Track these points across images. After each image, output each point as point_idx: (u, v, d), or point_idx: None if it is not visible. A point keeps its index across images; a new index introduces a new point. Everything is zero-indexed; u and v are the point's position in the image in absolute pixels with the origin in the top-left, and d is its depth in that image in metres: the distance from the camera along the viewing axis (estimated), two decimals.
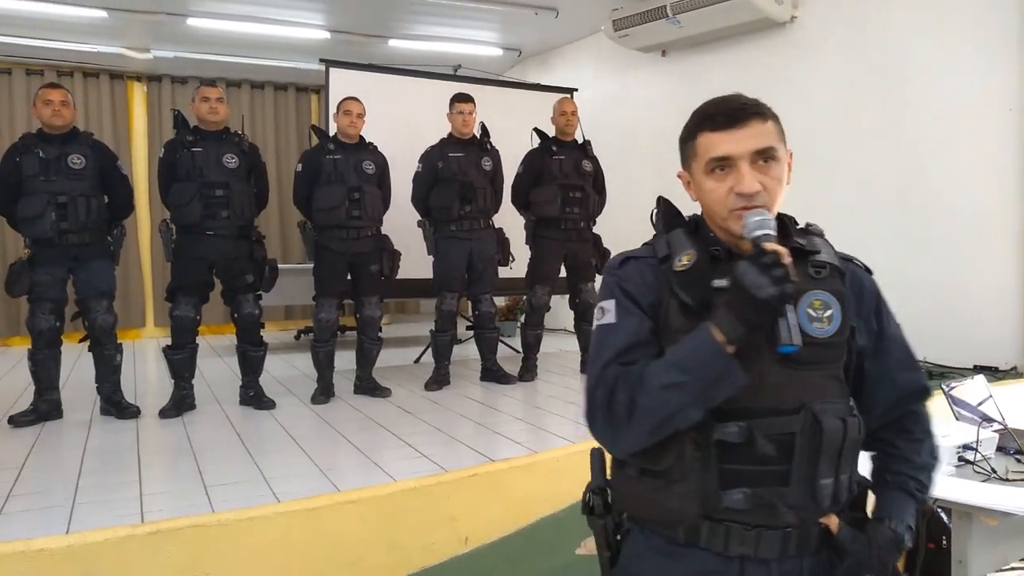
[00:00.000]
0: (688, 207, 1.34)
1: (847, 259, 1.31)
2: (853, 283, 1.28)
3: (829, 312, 1.21)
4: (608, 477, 1.34)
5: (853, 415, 1.23)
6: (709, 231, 1.28)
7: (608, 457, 1.33)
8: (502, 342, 5.55)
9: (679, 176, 1.32)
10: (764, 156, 1.21)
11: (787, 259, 1.12)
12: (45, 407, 3.94)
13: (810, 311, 1.21)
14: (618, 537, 1.33)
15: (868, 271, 1.33)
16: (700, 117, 1.25)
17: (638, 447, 1.20)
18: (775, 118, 1.26)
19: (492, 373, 4.92)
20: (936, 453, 1.34)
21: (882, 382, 1.30)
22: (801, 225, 1.32)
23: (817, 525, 1.22)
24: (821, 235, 1.31)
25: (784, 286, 1.10)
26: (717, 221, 1.24)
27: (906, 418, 1.32)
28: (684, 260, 1.22)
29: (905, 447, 1.32)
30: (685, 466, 1.19)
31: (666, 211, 1.33)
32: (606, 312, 1.26)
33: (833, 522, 1.23)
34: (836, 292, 1.23)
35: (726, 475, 1.19)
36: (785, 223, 1.28)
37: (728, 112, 1.22)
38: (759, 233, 1.15)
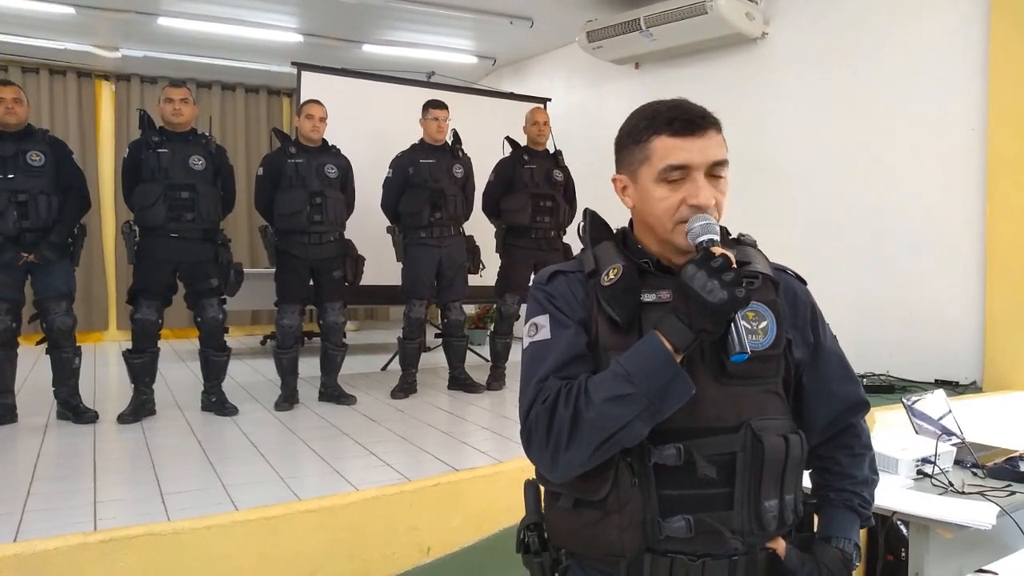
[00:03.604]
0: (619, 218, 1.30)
1: (781, 269, 1.27)
2: (787, 294, 1.24)
3: (764, 324, 1.17)
4: (543, 511, 1.26)
5: (795, 432, 1.19)
6: (637, 243, 1.21)
7: (543, 489, 1.25)
8: (471, 350, 5.53)
9: (614, 181, 1.25)
10: (718, 169, 1.15)
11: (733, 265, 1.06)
12: None
13: (744, 323, 1.11)
14: (556, 575, 1.24)
15: (802, 281, 1.29)
16: (653, 119, 1.17)
17: (581, 468, 1.11)
18: (721, 131, 1.20)
19: (460, 382, 4.89)
20: (875, 468, 1.32)
21: (821, 396, 1.26)
22: (734, 235, 1.26)
23: (764, 550, 1.17)
24: (754, 245, 1.27)
25: (736, 290, 1.03)
26: (659, 232, 1.17)
27: (846, 433, 1.29)
28: (611, 274, 1.16)
29: (847, 463, 1.29)
30: (623, 494, 1.11)
31: (593, 224, 1.28)
32: (540, 328, 1.18)
33: (780, 546, 1.18)
34: (770, 303, 1.19)
35: (666, 502, 1.11)
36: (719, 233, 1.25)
37: (689, 118, 1.15)
38: (705, 238, 1.09)
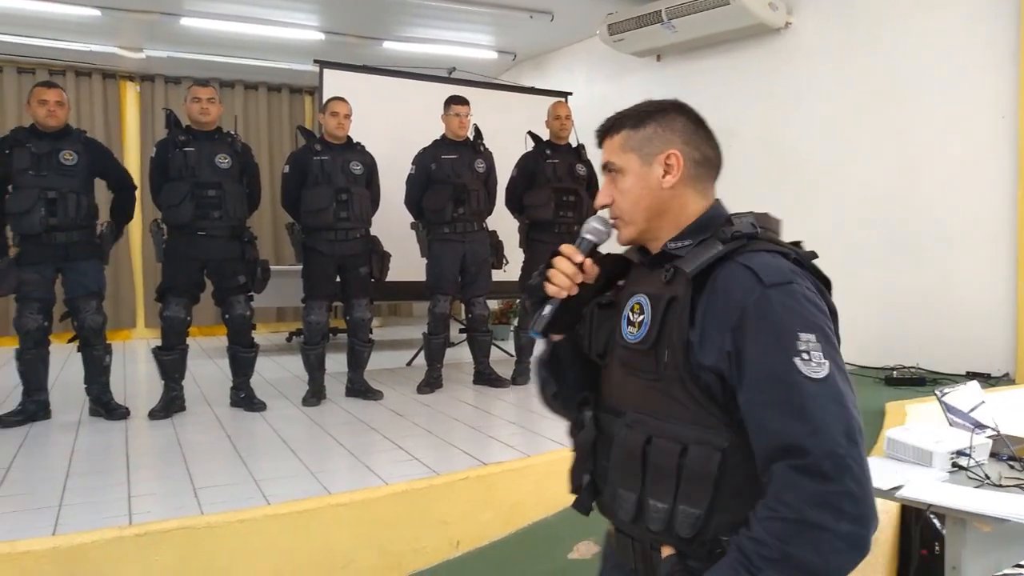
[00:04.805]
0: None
1: (748, 267, 1.08)
2: (721, 289, 1.09)
3: (641, 317, 1.15)
4: None
5: (679, 442, 1.09)
6: None
7: None
8: (495, 345, 5.53)
9: None
10: (608, 170, 1.25)
11: (565, 259, 1.23)
12: (33, 407, 3.91)
13: (629, 314, 1.18)
14: None
15: (762, 281, 1.06)
16: None
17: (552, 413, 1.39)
18: (637, 123, 1.22)
19: (485, 376, 4.90)
20: (805, 543, 0.97)
21: (751, 422, 1.05)
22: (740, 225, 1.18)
23: (655, 549, 1.14)
24: (742, 235, 1.12)
25: (535, 280, 1.25)
26: None
27: (771, 479, 1.02)
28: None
29: (758, 510, 1.02)
30: (575, 440, 1.31)
31: None
32: None
33: (665, 552, 1.13)
34: (654, 298, 1.14)
35: (596, 459, 1.26)
36: (695, 226, 1.18)
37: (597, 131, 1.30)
38: (584, 235, 1.26)
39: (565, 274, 1.23)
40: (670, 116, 1.22)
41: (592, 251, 1.26)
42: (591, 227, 1.25)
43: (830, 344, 1.05)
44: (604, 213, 1.27)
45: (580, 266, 1.24)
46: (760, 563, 0.98)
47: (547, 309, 1.24)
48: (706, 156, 1.21)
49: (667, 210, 1.20)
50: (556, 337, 1.30)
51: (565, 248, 1.24)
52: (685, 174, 1.19)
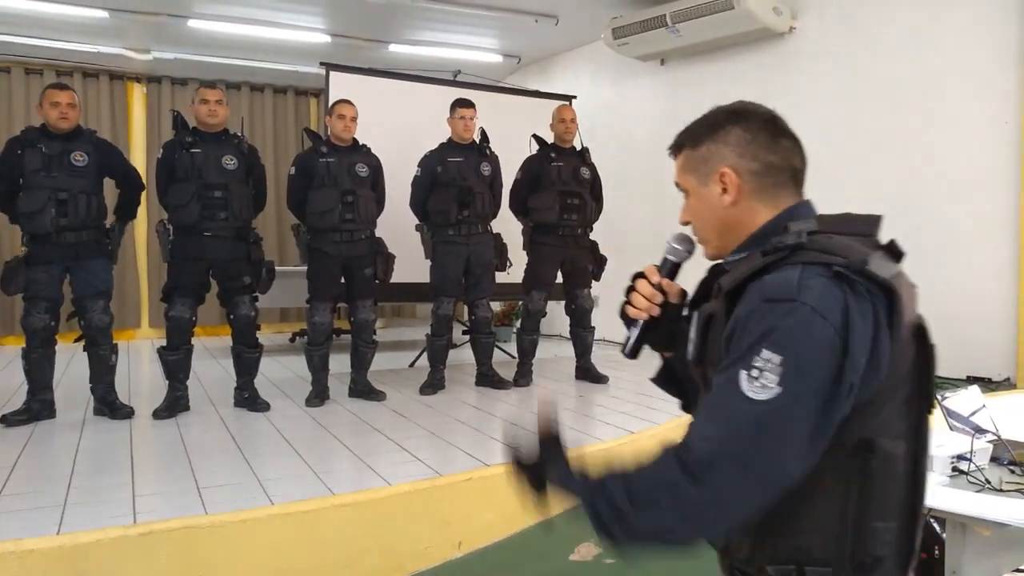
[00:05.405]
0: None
1: (762, 281, 1.05)
2: (739, 305, 1.06)
3: (692, 334, 1.15)
4: None
5: None
6: None
7: None
8: (498, 347, 5.54)
9: None
10: (679, 189, 1.22)
11: (643, 279, 1.24)
12: (38, 407, 3.93)
13: (691, 330, 1.17)
14: None
15: (761, 296, 1.01)
16: None
17: None
18: (694, 142, 1.17)
19: (487, 378, 4.91)
20: (630, 490, 0.98)
21: None
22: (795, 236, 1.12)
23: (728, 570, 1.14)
24: (784, 247, 1.05)
25: (623, 305, 1.27)
26: None
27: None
28: None
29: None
30: None
31: None
32: None
33: None
34: (701, 313, 1.14)
35: None
36: (750, 240, 1.15)
37: None
38: (663, 256, 1.27)
39: (643, 295, 1.24)
40: (724, 129, 1.15)
41: (674, 270, 1.26)
42: (670, 247, 1.26)
43: (800, 375, 0.95)
44: (687, 230, 1.24)
45: (659, 287, 1.24)
46: (600, 499, 0.99)
47: (632, 332, 1.26)
48: (768, 164, 1.13)
49: (736, 224, 1.15)
50: (667, 353, 1.30)
51: (646, 268, 1.25)
52: (745, 188, 1.13)
